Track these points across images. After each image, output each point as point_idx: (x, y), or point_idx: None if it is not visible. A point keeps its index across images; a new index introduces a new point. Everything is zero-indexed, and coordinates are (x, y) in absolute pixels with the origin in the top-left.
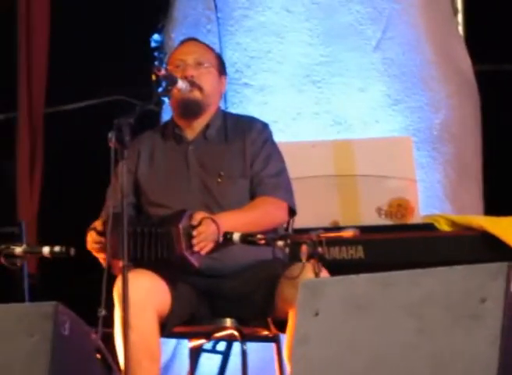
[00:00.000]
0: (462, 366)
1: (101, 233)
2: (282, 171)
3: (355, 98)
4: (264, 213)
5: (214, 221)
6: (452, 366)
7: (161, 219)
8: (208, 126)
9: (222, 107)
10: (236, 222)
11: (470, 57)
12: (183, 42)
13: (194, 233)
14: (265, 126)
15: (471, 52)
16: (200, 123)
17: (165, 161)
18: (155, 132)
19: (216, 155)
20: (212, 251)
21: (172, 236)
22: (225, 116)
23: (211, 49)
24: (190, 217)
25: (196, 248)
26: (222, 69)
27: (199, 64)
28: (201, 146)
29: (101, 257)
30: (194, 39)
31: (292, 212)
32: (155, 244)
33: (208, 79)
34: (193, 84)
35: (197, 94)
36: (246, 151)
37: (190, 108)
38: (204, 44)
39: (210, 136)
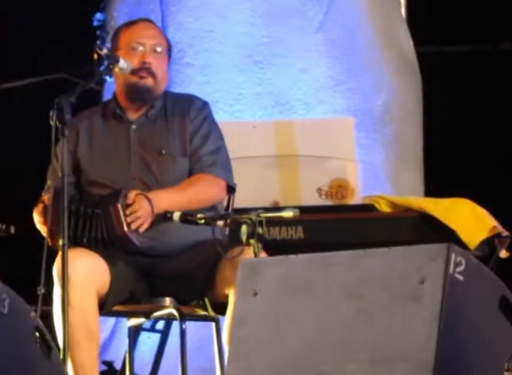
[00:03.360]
0: (400, 347)
1: (46, 209)
2: (220, 148)
3: (297, 78)
4: (199, 190)
5: (146, 197)
6: (390, 347)
7: (99, 200)
8: (151, 107)
9: None
10: (171, 198)
11: (412, 39)
12: (138, 22)
13: (128, 211)
14: (205, 104)
15: (413, 34)
16: (145, 106)
17: (105, 140)
18: (94, 111)
19: (157, 133)
20: (151, 228)
21: (111, 216)
22: (165, 95)
23: (163, 34)
24: (126, 196)
25: (132, 226)
26: (170, 53)
27: (155, 51)
28: (143, 125)
29: (45, 232)
30: (149, 21)
31: (231, 190)
32: (95, 225)
33: (161, 66)
34: (148, 72)
35: (150, 81)
36: (185, 130)
37: (140, 95)
38: (158, 27)
39: (152, 115)
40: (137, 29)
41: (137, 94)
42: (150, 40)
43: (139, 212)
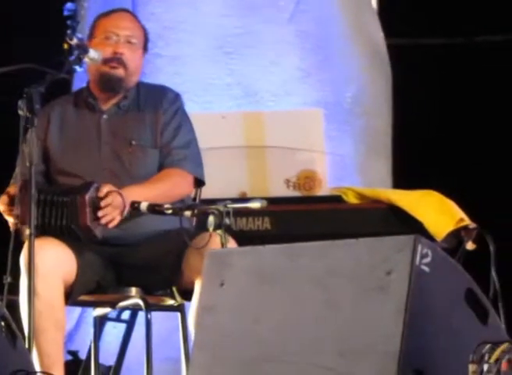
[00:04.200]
0: (367, 338)
1: (12, 199)
2: (191, 142)
3: (267, 70)
4: (170, 186)
5: (120, 194)
6: (357, 338)
7: (69, 189)
8: (123, 97)
9: None
10: (143, 195)
11: (385, 31)
12: (115, 12)
13: (102, 204)
14: (177, 96)
15: (384, 26)
16: (117, 96)
17: (76, 129)
18: (67, 99)
19: (128, 124)
20: (120, 222)
21: (77, 206)
22: (138, 85)
23: (140, 25)
24: (98, 189)
25: (102, 221)
26: (146, 45)
27: (129, 42)
28: (115, 115)
29: (11, 222)
30: (127, 11)
31: (200, 183)
32: (60, 213)
33: (134, 58)
34: (119, 62)
35: (121, 72)
36: (158, 121)
37: (111, 85)
38: (135, 18)
39: (123, 106)
40: (113, 19)
41: (108, 83)
42: (124, 31)
43: (111, 207)
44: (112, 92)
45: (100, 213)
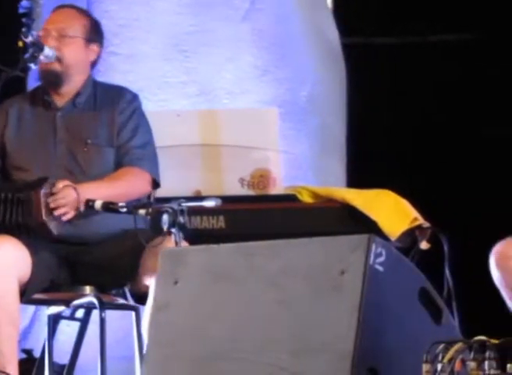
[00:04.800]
0: (321, 338)
1: None
2: (148, 143)
3: (222, 68)
4: (127, 184)
5: (75, 189)
6: (311, 338)
7: (23, 185)
8: (78, 93)
9: None
10: (99, 191)
11: (339, 30)
12: (55, 8)
13: (54, 197)
14: (135, 96)
15: (338, 25)
16: (69, 91)
17: (32, 126)
18: (25, 96)
19: (84, 122)
20: (74, 218)
21: (31, 202)
22: (95, 84)
23: (82, 16)
24: (52, 185)
25: (56, 213)
26: (93, 37)
27: (62, 35)
28: (70, 113)
29: None
30: (65, 6)
31: (155, 184)
32: (15, 210)
33: (70, 50)
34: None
35: (56, 65)
36: (114, 121)
37: (49, 80)
38: (74, 11)
39: (79, 104)
40: (50, 15)
41: (47, 79)
42: (56, 24)
43: (64, 200)
44: (55, 87)
45: (52, 204)
